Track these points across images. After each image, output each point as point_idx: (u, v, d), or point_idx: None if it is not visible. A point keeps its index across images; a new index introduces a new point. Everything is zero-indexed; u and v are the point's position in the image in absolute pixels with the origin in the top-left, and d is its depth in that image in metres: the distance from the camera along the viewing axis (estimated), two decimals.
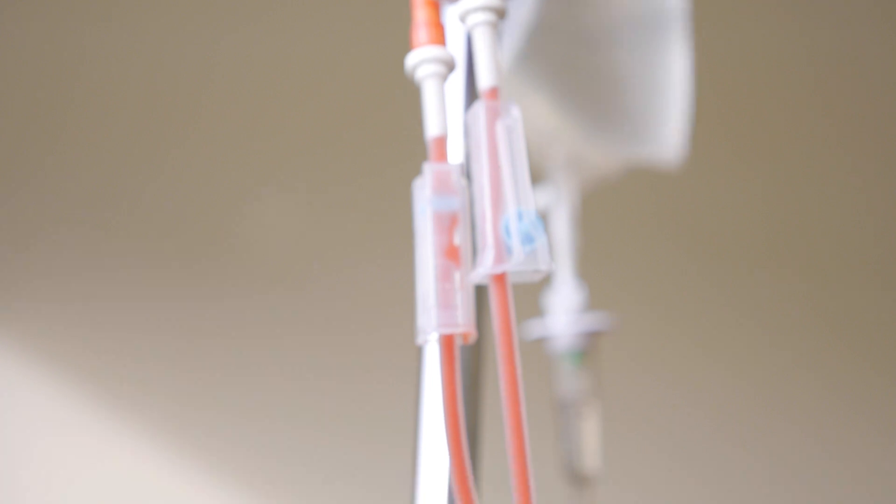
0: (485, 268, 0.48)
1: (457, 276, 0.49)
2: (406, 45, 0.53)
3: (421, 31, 0.52)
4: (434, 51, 0.51)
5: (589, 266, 1.11)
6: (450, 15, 0.52)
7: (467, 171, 0.50)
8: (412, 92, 0.55)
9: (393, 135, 1.74)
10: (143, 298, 1.90)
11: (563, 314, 1.06)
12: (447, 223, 0.49)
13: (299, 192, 1.94)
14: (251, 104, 1.94)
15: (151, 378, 1.91)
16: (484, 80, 0.49)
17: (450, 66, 0.51)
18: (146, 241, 1.91)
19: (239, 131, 1.93)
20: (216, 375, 1.91)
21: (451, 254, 0.49)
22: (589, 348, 1.07)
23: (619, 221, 1.89)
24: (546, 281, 1.07)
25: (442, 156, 0.50)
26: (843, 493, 1.85)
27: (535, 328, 1.07)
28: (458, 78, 0.66)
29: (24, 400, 1.91)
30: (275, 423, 1.89)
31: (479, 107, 0.49)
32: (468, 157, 0.49)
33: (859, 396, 1.88)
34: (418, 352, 0.62)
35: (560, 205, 1.09)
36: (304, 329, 1.90)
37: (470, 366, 0.62)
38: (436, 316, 0.49)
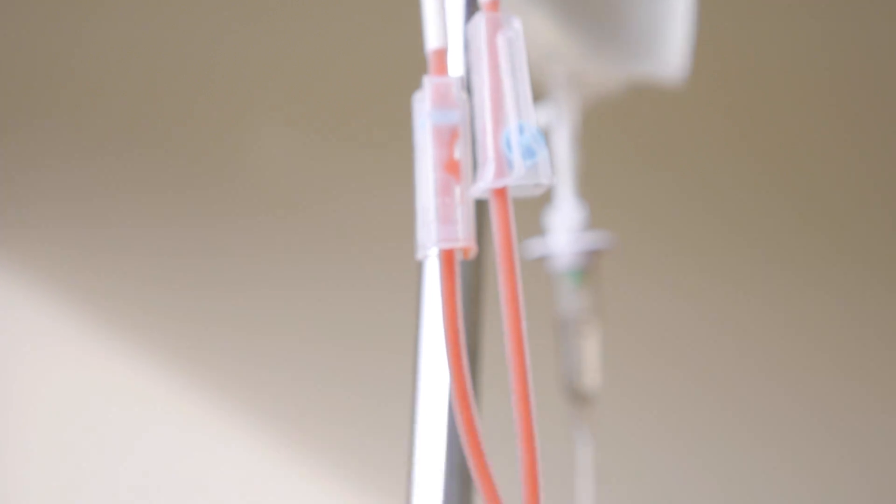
0: (485, 182, 0.48)
1: (457, 190, 0.49)
2: None
3: None
4: None
5: (588, 185, 1.10)
6: None
7: (467, 85, 0.49)
8: (412, 17, 0.55)
9: (392, 60, 1.73)
10: (141, 222, 1.90)
11: (564, 233, 1.06)
12: (447, 137, 0.49)
13: (297, 117, 1.93)
14: (251, 32, 1.92)
15: (150, 299, 1.91)
16: None
17: None
18: (146, 165, 1.91)
19: (238, 60, 1.92)
20: (215, 297, 1.91)
21: (451, 168, 0.49)
22: (589, 267, 1.06)
23: (617, 141, 1.89)
24: (546, 199, 1.07)
25: (442, 69, 0.50)
26: (846, 402, 1.85)
27: (535, 247, 1.07)
28: None
29: (25, 320, 1.91)
30: (273, 342, 1.89)
31: (480, 18, 0.48)
32: (468, 69, 0.48)
33: (860, 307, 1.88)
34: (418, 269, 0.61)
35: (561, 123, 1.08)
36: (303, 250, 1.90)
37: (470, 282, 0.62)
38: (436, 230, 0.48)
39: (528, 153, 0.47)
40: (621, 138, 1.88)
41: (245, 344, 1.90)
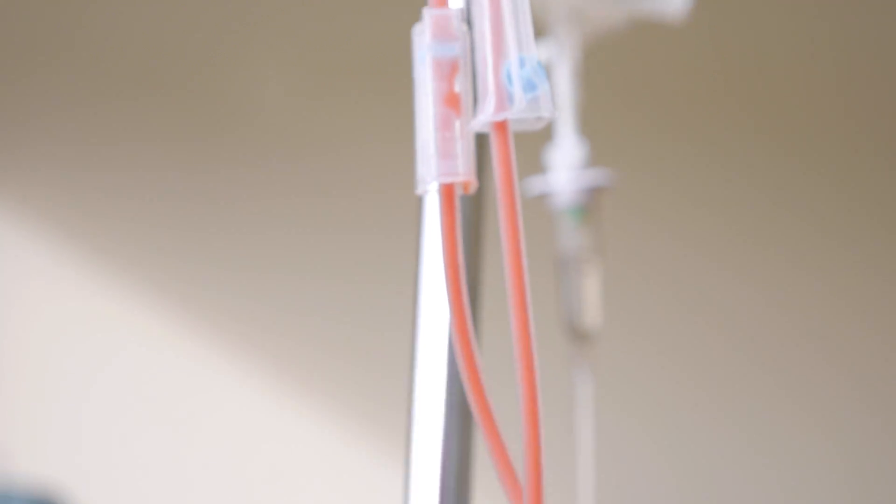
0: (486, 115, 0.47)
1: (457, 124, 0.48)
2: None
3: None
4: None
5: (588, 125, 1.10)
6: None
7: (468, 17, 0.49)
8: None
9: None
10: (141, 163, 1.90)
11: (565, 170, 1.05)
12: (447, 70, 0.48)
13: (298, 56, 1.92)
14: None
15: (148, 238, 1.91)
16: None
17: None
18: (145, 106, 1.90)
19: (242, 3, 1.90)
20: (215, 236, 1.90)
21: (451, 101, 0.48)
22: (590, 205, 1.06)
23: (617, 80, 1.88)
24: (547, 135, 1.06)
25: (442, 1, 0.49)
26: (846, 338, 1.85)
27: (536, 184, 1.06)
28: None
29: (20, 256, 1.91)
30: (273, 279, 1.89)
31: None
32: (469, 2, 0.48)
33: (858, 243, 1.88)
34: (418, 204, 0.61)
35: (562, 59, 1.07)
36: (301, 187, 1.90)
37: (470, 217, 0.61)
38: (436, 165, 0.48)
39: (529, 86, 0.47)
40: (619, 76, 1.87)
41: (245, 281, 1.90)
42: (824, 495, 1.81)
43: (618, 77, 1.85)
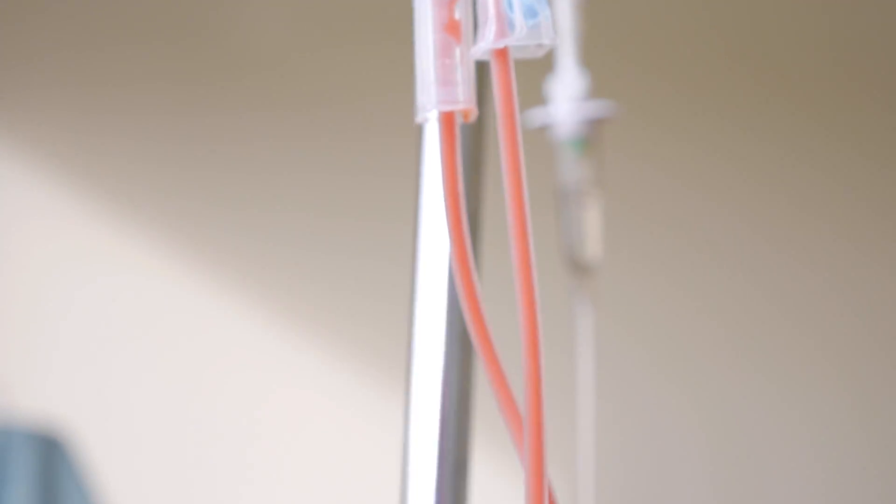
0: (486, 42, 0.47)
1: (457, 51, 0.47)
2: None
3: None
4: None
5: (588, 55, 1.09)
6: None
7: None
8: None
9: None
10: (140, 100, 1.89)
11: (566, 102, 1.05)
12: None
13: None
14: None
15: (148, 175, 1.90)
16: None
17: None
18: (147, 45, 1.89)
19: None
20: (214, 173, 1.90)
21: (451, 28, 0.48)
22: (592, 136, 1.05)
23: (616, 16, 1.86)
24: (548, 66, 1.06)
25: None
26: (845, 262, 1.85)
27: (537, 115, 1.06)
28: None
29: (20, 194, 1.91)
30: (269, 210, 1.89)
31: None
32: None
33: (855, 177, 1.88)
34: (418, 133, 0.60)
35: None
36: (299, 118, 1.89)
37: (471, 147, 0.61)
38: (435, 92, 0.47)
39: (530, 13, 0.46)
40: (618, 12, 1.86)
41: (244, 217, 1.89)
42: (830, 423, 1.81)
43: (617, 13, 1.84)
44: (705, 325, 1.85)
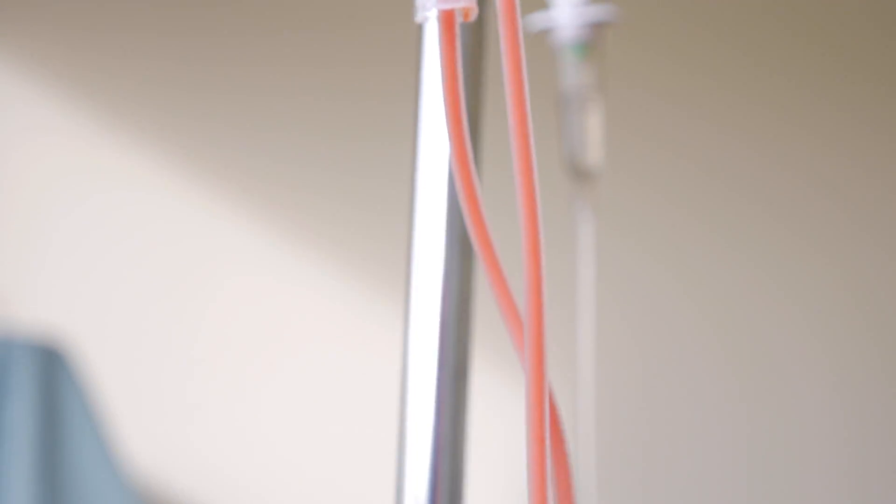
0: None
1: None
2: None
3: None
4: None
5: None
6: None
7: None
8: None
9: None
10: (136, 7, 1.87)
11: (568, 5, 1.03)
12: None
13: None
14: None
15: (149, 93, 1.89)
16: None
17: None
18: None
19: None
20: (215, 92, 1.89)
21: None
22: (594, 41, 1.04)
23: None
24: None
25: None
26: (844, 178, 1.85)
27: (539, 19, 1.04)
28: None
29: (22, 110, 1.90)
30: (272, 132, 1.88)
31: None
32: None
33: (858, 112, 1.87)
34: (417, 33, 0.59)
35: None
36: (296, 21, 1.87)
37: (471, 48, 0.60)
38: None
39: None
40: None
41: (244, 135, 1.88)
42: (832, 327, 1.82)
43: None
44: (705, 229, 1.85)
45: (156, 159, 1.88)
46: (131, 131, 1.89)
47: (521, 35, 0.46)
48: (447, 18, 0.47)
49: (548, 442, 0.45)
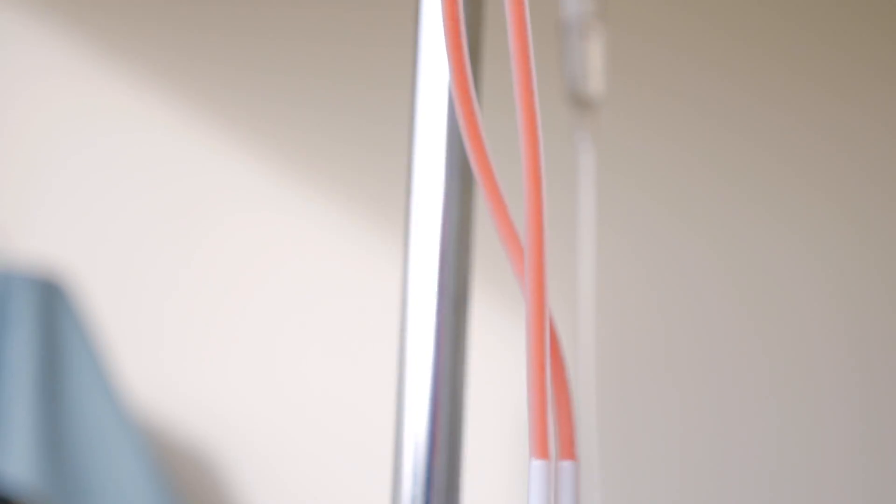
0: None
1: None
2: None
3: None
4: None
5: None
6: None
7: None
8: None
9: None
10: None
11: None
12: None
13: None
14: None
15: (153, 33, 1.89)
16: None
17: None
18: None
19: None
20: (219, 34, 1.88)
21: None
22: None
23: None
24: None
25: None
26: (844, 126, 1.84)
27: None
28: None
29: (25, 50, 1.89)
30: (274, 74, 1.87)
31: None
32: None
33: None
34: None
35: None
36: None
37: None
38: None
39: None
40: None
41: (246, 76, 1.88)
42: (835, 259, 1.81)
43: None
44: (706, 162, 1.84)
45: (160, 99, 1.87)
46: (135, 71, 1.88)
47: None
48: None
49: (548, 370, 0.45)
